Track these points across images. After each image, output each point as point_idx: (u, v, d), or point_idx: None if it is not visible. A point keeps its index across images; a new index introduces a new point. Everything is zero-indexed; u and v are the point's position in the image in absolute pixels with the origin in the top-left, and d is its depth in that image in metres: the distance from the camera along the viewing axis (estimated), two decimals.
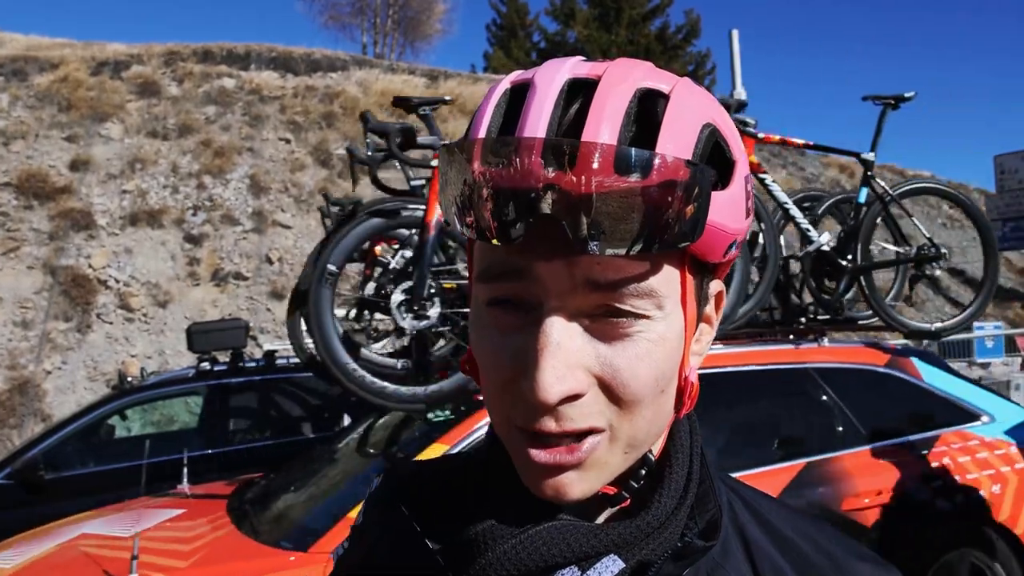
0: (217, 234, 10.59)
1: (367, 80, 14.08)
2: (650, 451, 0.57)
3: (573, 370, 0.50)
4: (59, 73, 11.90)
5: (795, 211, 3.40)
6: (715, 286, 0.58)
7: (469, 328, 0.57)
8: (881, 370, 3.15)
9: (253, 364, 5.34)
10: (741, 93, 5.52)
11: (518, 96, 0.53)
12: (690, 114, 0.51)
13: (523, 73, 0.55)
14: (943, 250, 3.58)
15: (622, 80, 0.51)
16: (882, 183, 3.61)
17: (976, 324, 11.05)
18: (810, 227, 3.48)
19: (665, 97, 0.51)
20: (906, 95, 3.54)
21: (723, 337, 3.11)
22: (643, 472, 0.57)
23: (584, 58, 0.55)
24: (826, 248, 3.43)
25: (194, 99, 12.34)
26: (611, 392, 0.51)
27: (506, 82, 0.55)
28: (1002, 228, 14.73)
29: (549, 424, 0.51)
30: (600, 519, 0.58)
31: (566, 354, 0.50)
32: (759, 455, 2.90)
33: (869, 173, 3.60)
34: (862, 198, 3.58)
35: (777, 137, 3.50)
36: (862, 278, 3.42)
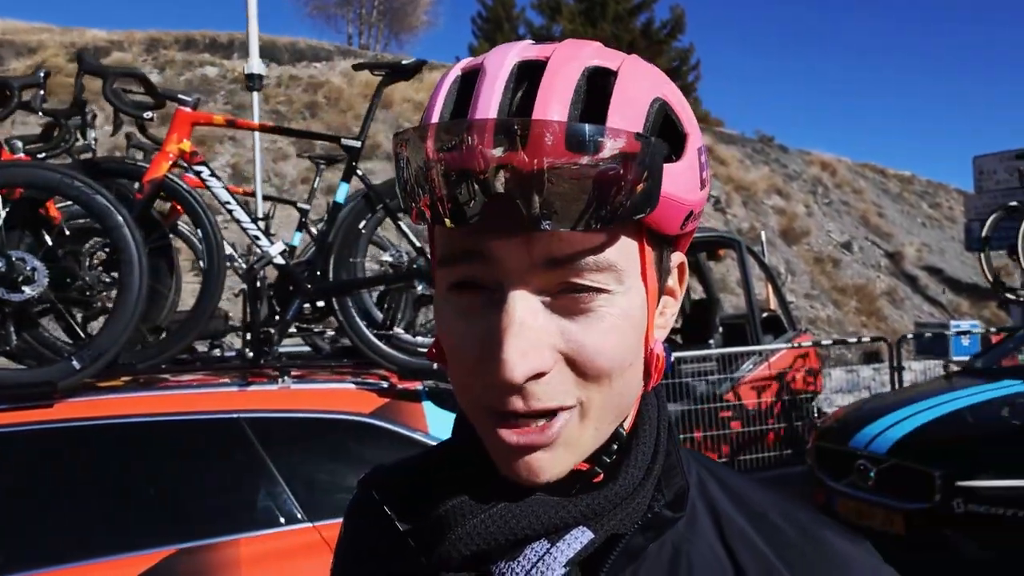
0: None
1: (351, 71, 14.00)
2: (621, 426, 0.58)
3: (538, 348, 0.50)
4: (37, 59, 11.73)
5: (240, 213, 2.67)
6: (676, 258, 0.59)
7: (434, 314, 0.58)
8: (363, 420, 2.26)
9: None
10: (256, 66, 4.68)
11: (469, 82, 0.54)
12: (638, 90, 0.52)
13: (473, 60, 0.56)
14: (421, 264, 2.81)
15: (571, 59, 0.52)
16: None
17: (953, 322, 11.14)
18: (260, 235, 2.72)
19: (613, 74, 0.52)
20: None
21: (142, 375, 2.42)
22: (615, 447, 0.57)
23: (533, 41, 0.56)
24: (280, 261, 2.66)
25: (176, 87, 12.21)
26: (578, 368, 0.52)
27: (457, 69, 0.56)
28: (980, 228, 14.90)
29: (517, 404, 0.51)
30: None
31: (530, 332, 0.50)
32: (107, 539, 2.03)
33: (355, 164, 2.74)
34: (341, 196, 2.75)
35: (221, 118, 2.98)
36: (334, 300, 2.68)
